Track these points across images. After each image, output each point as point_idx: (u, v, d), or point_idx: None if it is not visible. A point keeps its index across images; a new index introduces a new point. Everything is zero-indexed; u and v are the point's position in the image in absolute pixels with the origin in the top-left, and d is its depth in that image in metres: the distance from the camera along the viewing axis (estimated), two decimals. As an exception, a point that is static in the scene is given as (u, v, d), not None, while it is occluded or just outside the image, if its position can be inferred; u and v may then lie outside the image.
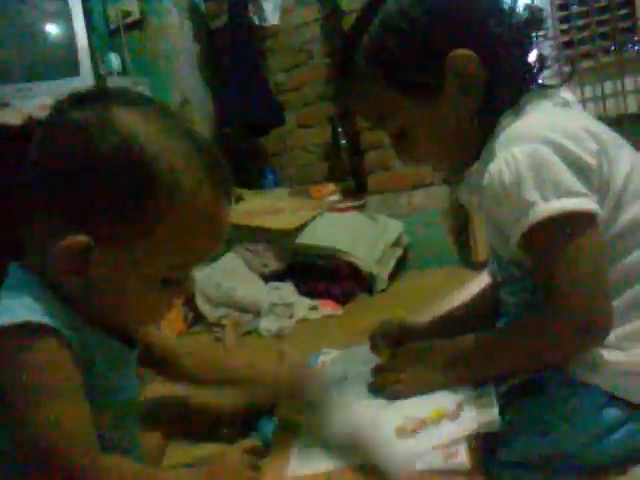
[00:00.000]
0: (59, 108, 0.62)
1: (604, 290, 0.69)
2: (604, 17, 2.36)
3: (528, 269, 0.77)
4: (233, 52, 2.79)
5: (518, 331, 0.77)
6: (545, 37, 0.80)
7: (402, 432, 0.72)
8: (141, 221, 0.60)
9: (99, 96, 0.64)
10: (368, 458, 0.71)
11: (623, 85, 2.34)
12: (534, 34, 0.79)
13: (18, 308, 0.58)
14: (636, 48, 2.38)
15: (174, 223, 0.61)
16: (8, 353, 0.57)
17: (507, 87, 0.77)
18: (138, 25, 2.88)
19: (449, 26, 0.76)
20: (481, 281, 1.04)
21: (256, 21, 2.77)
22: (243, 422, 0.94)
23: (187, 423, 0.94)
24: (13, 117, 2.23)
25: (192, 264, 0.67)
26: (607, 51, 2.40)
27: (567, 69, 1.27)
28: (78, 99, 0.62)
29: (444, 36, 0.75)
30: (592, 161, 0.69)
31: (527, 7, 0.79)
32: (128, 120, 0.60)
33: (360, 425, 0.75)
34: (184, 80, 2.94)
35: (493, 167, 0.71)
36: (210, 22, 3.08)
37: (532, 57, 0.80)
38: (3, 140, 2.22)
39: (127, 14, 2.85)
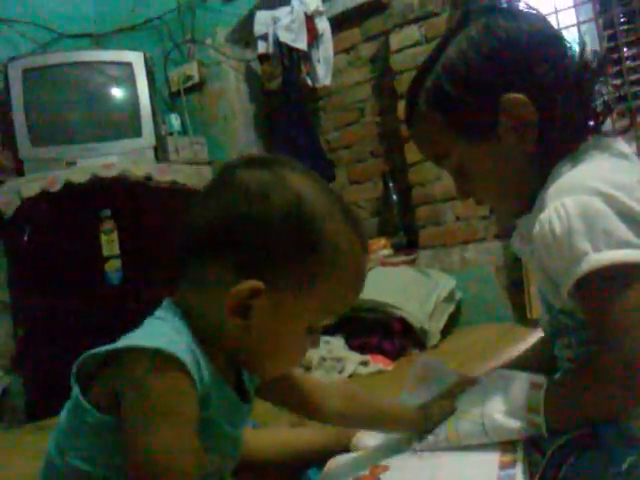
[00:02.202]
0: (230, 167, 0.68)
1: None
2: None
3: (580, 319, 0.75)
4: (286, 112, 2.89)
5: (572, 383, 0.75)
6: (605, 83, 0.80)
7: None
8: (308, 273, 0.64)
9: (268, 161, 0.70)
10: None
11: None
12: (594, 80, 0.78)
13: (156, 336, 0.61)
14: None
15: (334, 276, 0.66)
16: (135, 375, 0.58)
17: (563, 132, 0.77)
18: (198, 88, 3.04)
19: (503, 70, 0.77)
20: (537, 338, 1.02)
21: (309, 82, 2.86)
22: (292, 472, 0.94)
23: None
24: (79, 175, 2.37)
25: (338, 314, 0.72)
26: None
27: (624, 122, 1.27)
28: (248, 161, 0.69)
29: (498, 80, 0.77)
30: None
31: (583, 52, 0.79)
32: (299, 182, 0.66)
33: None
34: (240, 139, 3.05)
35: (544, 216, 0.71)
36: (265, 84, 3.22)
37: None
38: (70, 196, 2.36)
39: (188, 78, 3.02)
